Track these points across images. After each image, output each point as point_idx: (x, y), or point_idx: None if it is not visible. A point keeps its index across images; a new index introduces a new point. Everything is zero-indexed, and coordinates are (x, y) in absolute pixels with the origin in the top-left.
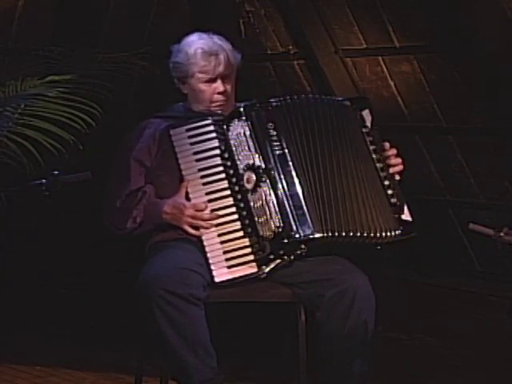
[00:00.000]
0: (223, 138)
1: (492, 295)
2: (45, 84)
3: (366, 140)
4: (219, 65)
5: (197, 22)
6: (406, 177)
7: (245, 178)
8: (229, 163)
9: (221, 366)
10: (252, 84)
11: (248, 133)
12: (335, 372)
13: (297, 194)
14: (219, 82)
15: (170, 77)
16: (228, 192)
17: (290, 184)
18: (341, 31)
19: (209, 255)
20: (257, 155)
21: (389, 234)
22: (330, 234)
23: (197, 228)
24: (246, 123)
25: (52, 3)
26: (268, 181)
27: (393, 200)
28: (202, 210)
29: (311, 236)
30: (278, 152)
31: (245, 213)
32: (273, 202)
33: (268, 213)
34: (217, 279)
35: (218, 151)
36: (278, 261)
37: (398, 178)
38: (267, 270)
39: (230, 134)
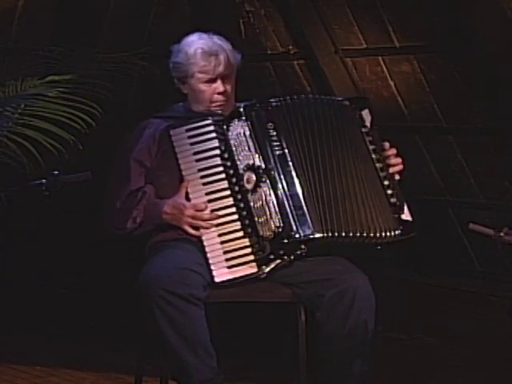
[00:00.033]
0: (223, 138)
1: (492, 295)
2: (45, 84)
3: (365, 140)
4: (219, 65)
5: (197, 21)
6: (406, 177)
7: (245, 178)
8: (229, 163)
9: (221, 365)
10: (252, 84)
11: (248, 133)
12: (335, 372)
13: (297, 194)
14: (219, 82)
15: (170, 77)
16: (228, 192)
17: (290, 184)
18: (341, 31)
19: (209, 255)
20: (257, 155)
21: (388, 233)
22: (330, 234)
23: (197, 228)
24: (245, 123)
25: (52, 3)
26: (268, 181)
27: (392, 200)
28: (202, 210)
29: (311, 236)
30: (277, 152)
31: (245, 213)
32: (273, 202)
33: (268, 213)
34: (217, 279)
35: (217, 151)
36: (278, 261)
37: (397, 177)
38: (267, 270)
39: (229, 134)
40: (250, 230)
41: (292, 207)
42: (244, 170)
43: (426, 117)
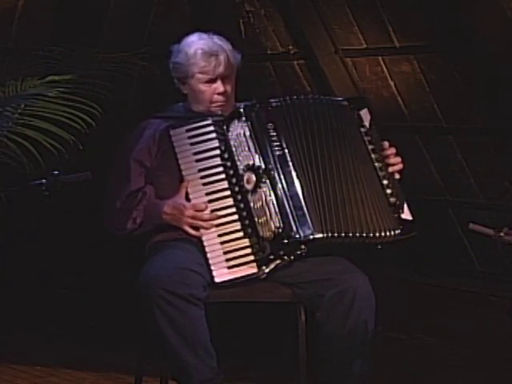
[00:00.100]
0: (223, 138)
1: (492, 295)
2: (45, 84)
3: (364, 140)
4: (219, 65)
5: (197, 22)
6: (405, 177)
7: (245, 178)
8: (229, 163)
9: (221, 365)
10: (252, 84)
11: (248, 133)
12: (335, 372)
13: (297, 194)
14: (219, 82)
15: (170, 77)
16: (228, 192)
17: (290, 184)
18: (341, 31)
19: (209, 255)
20: (257, 156)
21: (388, 233)
22: (330, 235)
23: (197, 228)
24: (245, 124)
25: (52, 3)
26: (268, 181)
27: (392, 199)
28: (202, 211)
29: (311, 236)
30: (277, 152)
31: (245, 213)
32: (273, 203)
33: (268, 213)
34: (217, 279)
35: (218, 151)
36: (278, 261)
37: (397, 177)
38: (267, 270)
39: (229, 134)
40: (250, 231)
41: (292, 207)
42: (244, 170)
43: (426, 117)
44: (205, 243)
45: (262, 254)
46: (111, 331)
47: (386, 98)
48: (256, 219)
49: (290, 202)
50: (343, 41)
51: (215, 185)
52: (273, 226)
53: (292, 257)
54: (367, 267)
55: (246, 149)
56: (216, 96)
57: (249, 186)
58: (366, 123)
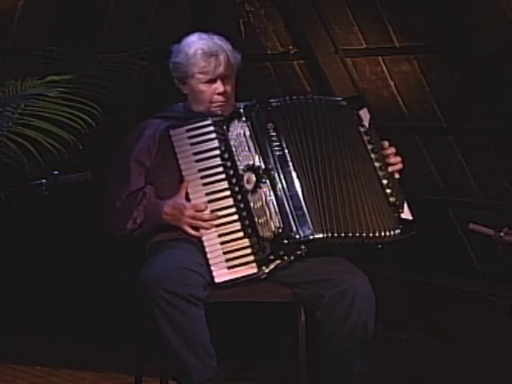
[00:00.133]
0: (223, 138)
1: (492, 295)
2: (45, 84)
3: (363, 139)
4: (219, 65)
5: (197, 21)
6: (405, 177)
7: (245, 178)
8: (229, 164)
9: (221, 365)
10: (252, 84)
11: (248, 133)
12: (335, 372)
13: (297, 194)
14: (219, 82)
15: (170, 77)
16: (228, 192)
17: (290, 184)
18: (341, 31)
19: (209, 256)
20: (257, 156)
21: (388, 233)
22: (330, 235)
23: (197, 228)
24: (245, 124)
25: (52, 3)
26: (268, 181)
27: (392, 199)
28: (202, 211)
29: (311, 237)
30: (277, 152)
31: (245, 213)
32: (273, 203)
33: (268, 213)
34: (217, 280)
35: (218, 152)
36: (278, 261)
37: (397, 176)
38: (267, 270)
39: (229, 134)
40: (250, 231)
41: (292, 208)
42: (244, 170)
43: (426, 117)
44: (205, 243)
45: (262, 254)
46: (111, 331)
47: (386, 98)
48: (256, 219)
49: (290, 202)
50: (343, 41)
51: (215, 185)
52: (273, 226)
53: (292, 257)
54: (367, 267)
55: (246, 149)
56: (216, 96)
57: (249, 186)
58: (366, 123)
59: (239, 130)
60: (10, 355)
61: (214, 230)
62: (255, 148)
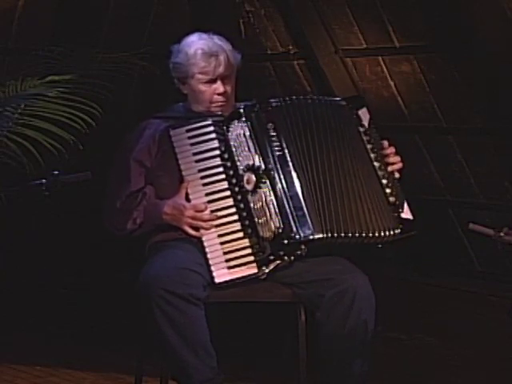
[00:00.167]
0: (223, 138)
1: (492, 295)
2: (45, 84)
3: (362, 139)
4: (219, 66)
5: (197, 22)
6: (405, 177)
7: (245, 178)
8: (229, 164)
9: (221, 365)
10: (252, 84)
11: (248, 133)
12: (335, 372)
13: (297, 194)
14: (219, 82)
15: (170, 77)
16: (228, 193)
17: (290, 185)
18: (341, 31)
19: (209, 256)
20: (257, 156)
21: (388, 233)
22: (330, 235)
23: (197, 229)
24: (245, 124)
25: (52, 3)
26: (268, 182)
27: (391, 199)
28: (201, 211)
29: (311, 237)
30: (277, 153)
31: (245, 214)
32: (273, 203)
33: (268, 214)
34: (217, 280)
35: (217, 152)
36: (278, 261)
37: (397, 176)
38: (267, 270)
39: (229, 134)
40: (250, 231)
41: (292, 208)
42: (244, 170)
43: (426, 117)
44: (205, 243)
45: (262, 254)
46: (111, 331)
47: (386, 98)
48: (256, 219)
49: (290, 203)
50: (343, 41)
51: (215, 185)
52: (273, 227)
53: (292, 257)
54: (367, 267)
55: (246, 149)
56: (216, 96)
57: (249, 187)
58: (365, 123)
59: (239, 130)
60: (9, 355)
61: (213, 230)
62: (255, 148)
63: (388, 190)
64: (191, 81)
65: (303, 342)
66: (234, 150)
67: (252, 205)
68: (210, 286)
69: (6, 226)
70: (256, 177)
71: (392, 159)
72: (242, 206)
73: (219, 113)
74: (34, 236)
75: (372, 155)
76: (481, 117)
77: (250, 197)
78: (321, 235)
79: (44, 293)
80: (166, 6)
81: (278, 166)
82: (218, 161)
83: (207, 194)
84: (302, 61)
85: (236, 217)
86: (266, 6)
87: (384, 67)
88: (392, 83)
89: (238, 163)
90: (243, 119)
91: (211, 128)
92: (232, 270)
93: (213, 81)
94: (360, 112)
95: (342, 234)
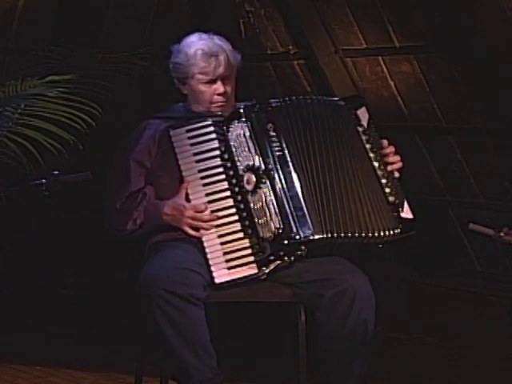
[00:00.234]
0: (223, 138)
1: (492, 295)
2: (45, 84)
3: (361, 139)
4: (219, 66)
5: (197, 22)
6: (405, 177)
7: (245, 179)
8: (229, 164)
9: (221, 365)
10: (252, 84)
11: (248, 134)
12: (335, 372)
13: (297, 195)
14: (219, 83)
15: (170, 77)
16: (228, 193)
17: (290, 185)
18: (341, 31)
19: (209, 256)
20: (257, 156)
21: (387, 233)
22: (330, 235)
23: (197, 229)
24: (245, 124)
25: (52, 3)
26: (268, 182)
27: (391, 198)
28: (201, 211)
29: (311, 237)
30: (277, 153)
31: (245, 214)
32: (273, 203)
33: (268, 214)
34: (217, 280)
35: (217, 152)
36: (278, 262)
37: (397, 175)
38: (267, 270)
39: (229, 134)
40: (250, 231)
41: (292, 208)
42: (244, 170)
43: (426, 117)
44: (205, 244)
45: (262, 254)
46: (111, 331)
47: (386, 98)
48: (256, 220)
49: (290, 203)
50: (343, 41)
51: (215, 185)
52: (273, 227)
53: (292, 257)
54: (367, 267)
55: (246, 149)
56: (216, 96)
57: (249, 187)
58: (364, 122)
59: (239, 131)
60: (10, 355)
61: (214, 230)
62: (255, 148)
63: (387, 190)
64: (191, 81)
65: (303, 342)
66: (234, 150)
67: (252, 205)
68: (210, 286)
69: (6, 226)
70: (256, 177)
71: (391, 158)
72: (242, 206)
73: (219, 113)
74: (34, 236)
75: (371, 155)
76: (481, 117)
77: (250, 197)
78: (321, 235)
79: (44, 293)
80: (166, 5)
81: (278, 166)
82: (218, 161)
83: (207, 195)
84: (302, 61)
85: (236, 217)
86: (266, 5)
87: (384, 67)
88: (392, 83)
89: (238, 163)
90: (243, 119)
91: (211, 128)
92: (232, 271)
93: (213, 81)
94: (359, 112)
95: (342, 235)
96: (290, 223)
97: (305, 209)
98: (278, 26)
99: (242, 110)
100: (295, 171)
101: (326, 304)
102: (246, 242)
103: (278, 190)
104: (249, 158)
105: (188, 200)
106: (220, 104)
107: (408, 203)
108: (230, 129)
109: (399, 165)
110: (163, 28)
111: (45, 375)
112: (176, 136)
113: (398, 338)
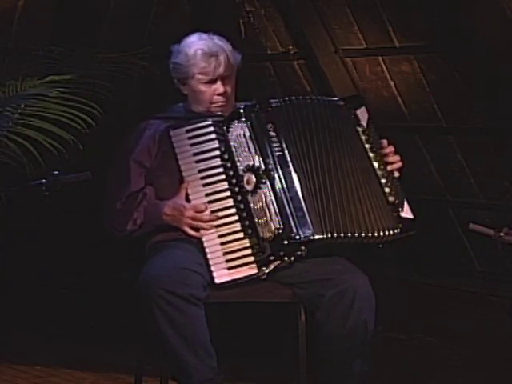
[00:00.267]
0: (223, 139)
1: (492, 295)
2: (45, 84)
3: (361, 139)
4: (219, 66)
5: (197, 22)
6: (405, 177)
7: (245, 179)
8: (229, 164)
9: (221, 365)
10: (252, 84)
11: (248, 134)
12: (335, 372)
13: (297, 195)
14: (219, 83)
15: (170, 77)
16: (228, 193)
17: (290, 185)
18: (341, 31)
19: (209, 256)
20: (257, 156)
21: (387, 232)
22: (330, 236)
23: (197, 229)
24: (245, 124)
25: (52, 3)
26: (268, 182)
27: (391, 198)
28: (201, 212)
29: (311, 237)
30: (277, 153)
31: (245, 214)
32: (273, 204)
33: (268, 214)
34: (217, 280)
35: (217, 152)
36: (278, 262)
37: (396, 175)
38: (267, 271)
39: (229, 135)
40: (250, 231)
41: (292, 208)
42: (244, 171)
43: (426, 117)
44: (205, 244)
45: (262, 254)
46: (111, 331)
47: (386, 98)
48: (256, 220)
49: (290, 203)
50: (343, 41)
51: (215, 185)
52: (273, 227)
53: (292, 257)
54: (367, 267)
55: (246, 149)
56: (216, 97)
57: (249, 187)
58: (363, 122)
59: (239, 131)
60: (10, 355)
61: (214, 230)
62: (255, 148)
63: (387, 190)
64: (191, 81)
65: (303, 342)
66: (234, 150)
67: (252, 205)
68: (210, 286)
69: (6, 226)
70: (256, 177)
71: (391, 158)
72: (242, 206)
73: (219, 113)
74: (34, 236)
75: (371, 154)
76: (481, 117)
77: (250, 197)
78: (321, 236)
79: (44, 293)
80: (166, 5)
81: (278, 166)
82: (218, 161)
83: (207, 195)
84: (302, 61)
85: (236, 217)
86: (266, 5)
87: (384, 67)
88: (392, 83)
89: (238, 163)
90: (243, 119)
91: (211, 128)
92: (232, 271)
93: (213, 81)
94: (358, 111)
95: (342, 235)
96: (289, 223)
97: (305, 209)
98: (278, 26)
99: (242, 110)
100: (295, 171)
101: (325, 304)
102: (246, 242)
103: (277, 190)
104: (249, 158)
105: (188, 200)
106: (220, 104)
107: (408, 203)
108: (230, 129)
109: (399, 164)
110: (163, 28)
111: (45, 375)
112: (176, 136)
113: (397, 338)
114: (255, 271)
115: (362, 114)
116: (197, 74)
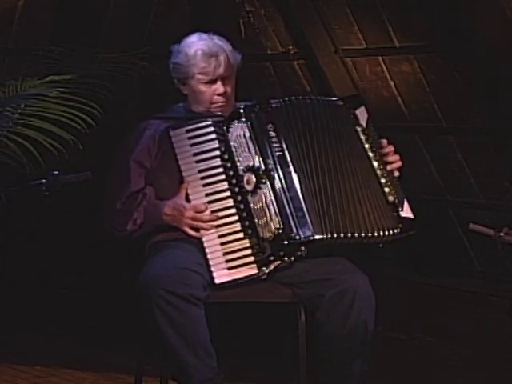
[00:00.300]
0: (223, 139)
1: (492, 295)
2: (45, 84)
3: (360, 138)
4: (219, 66)
5: (197, 22)
6: (405, 177)
7: (245, 179)
8: (229, 164)
9: (221, 365)
10: (252, 84)
11: (248, 134)
12: (335, 372)
13: (297, 195)
14: (219, 83)
15: (170, 77)
16: (228, 193)
17: (290, 185)
18: (341, 31)
19: (209, 256)
20: (257, 157)
21: (387, 232)
22: (330, 236)
23: (197, 229)
24: (245, 124)
25: (52, 3)
26: (268, 182)
27: (390, 198)
28: (201, 212)
29: (311, 238)
30: (277, 153)
31: (245, 214)
32: (273, 204)
33: (268, 214)
34: (217, 280)
35: (217, 152)
36: (278, 262)
37: (396, 174)
38: (267, 271)
39: (229, 135)
40: (250, 232)
41: (292, 209)
42: (244, 171)
43: (426, 117)
44: (205, 244)
45: (262, 254)
46: (111, 331)
47: (386, 98)
48: (256, 220)
49: (290, 203)
50: (343, 41)
51: (215, 186)
52: (273, 227)
53: (292, 258)
54: (367, 267)
55: (246, 150)
56: (216, 97)
57: (249, 187)
58: (363, 122)
59: (239, 131)
60: (10, 355)
61: (214, 230)
62: (255, 149)
63: (387, 189)
64: (191, 81)
65: (303, 342)
66: (234, 150)
67: (252, 205)
68: (210, 286)
69: (6, 226)
70: (256, 177)
71: (391, 158)
72: (242, 206)
73: (219, 113)
74: (34, 236)
75: (370, 154)
76: (481, 117)
77: (250, 197)
78: (321, 236)
79: (44, 293)
80: (166, 5)
81: (278, 166)
82: (218, 161)
83: (207, 195)
84: (302, 61)
85: (236, 217)
86: (266, 5)
87: (384, 67)
88: (392, 83)
89: (238, 164)
90: (243, 119)
91: (211, 128)
92: (232, 271)
93: (213, 81)
94: (358, 111)
95: (342, 235)
96: (290, 223)
97: (305, 209)
98: (278, 26)
99: (242, 110)
100: (295, 171)
101: (325, 304)
102: (246, 243)
103: (277, 190)
104: (249, 158)
105: (188, 200)
106: (220, 104)
107: (408, 203)
108: (230, 129)
109: (399, 164)
110: (163, 28)
111: (45, 375)
112: (176, 136)
113: (397, 338)
114: (255, 271)
115: (362, 113)
116: (197, 74)
